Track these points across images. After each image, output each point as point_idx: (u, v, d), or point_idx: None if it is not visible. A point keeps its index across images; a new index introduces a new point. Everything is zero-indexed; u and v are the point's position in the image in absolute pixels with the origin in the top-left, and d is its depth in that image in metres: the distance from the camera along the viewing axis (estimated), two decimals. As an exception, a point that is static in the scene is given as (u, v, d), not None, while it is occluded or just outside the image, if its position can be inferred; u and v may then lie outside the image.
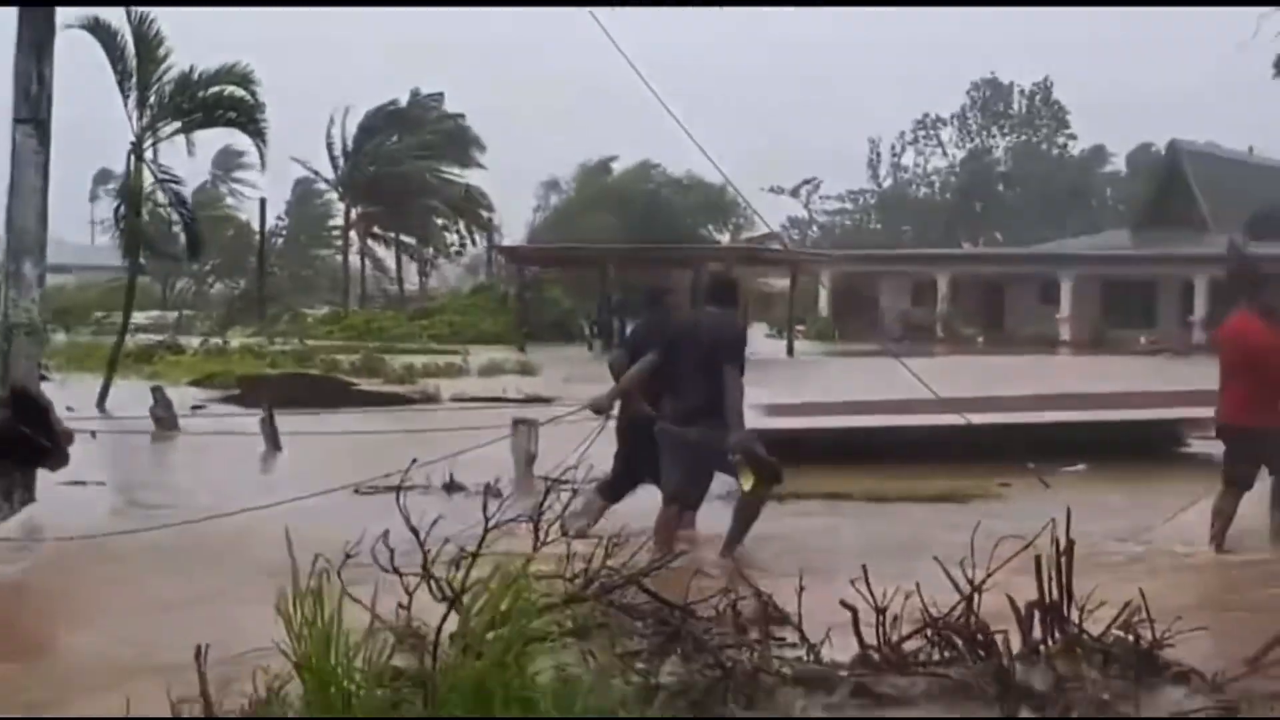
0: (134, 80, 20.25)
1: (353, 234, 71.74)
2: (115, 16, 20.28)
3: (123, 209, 20.70)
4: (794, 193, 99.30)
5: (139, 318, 38.81)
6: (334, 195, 75.53)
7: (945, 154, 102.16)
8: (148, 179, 20.41)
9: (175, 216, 21.39)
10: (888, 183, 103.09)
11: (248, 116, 21.34)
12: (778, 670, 6.79)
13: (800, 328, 55.59)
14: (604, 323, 50.66)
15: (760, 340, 54.63)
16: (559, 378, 30.30)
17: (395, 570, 6.10)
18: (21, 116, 11.40)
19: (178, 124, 20.90)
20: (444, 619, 5.30)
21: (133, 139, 20.24)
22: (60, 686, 7.36)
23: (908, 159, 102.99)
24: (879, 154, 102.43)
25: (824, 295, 61.40)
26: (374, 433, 16.95)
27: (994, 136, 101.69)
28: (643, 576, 7.58)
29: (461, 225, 74.20)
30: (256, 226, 68.29)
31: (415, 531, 6.57)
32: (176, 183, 22.34)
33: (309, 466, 15.02)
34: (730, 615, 7.53)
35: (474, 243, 75.59)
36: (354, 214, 70.85)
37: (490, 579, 5.69)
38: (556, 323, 52.47)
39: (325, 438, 17.42)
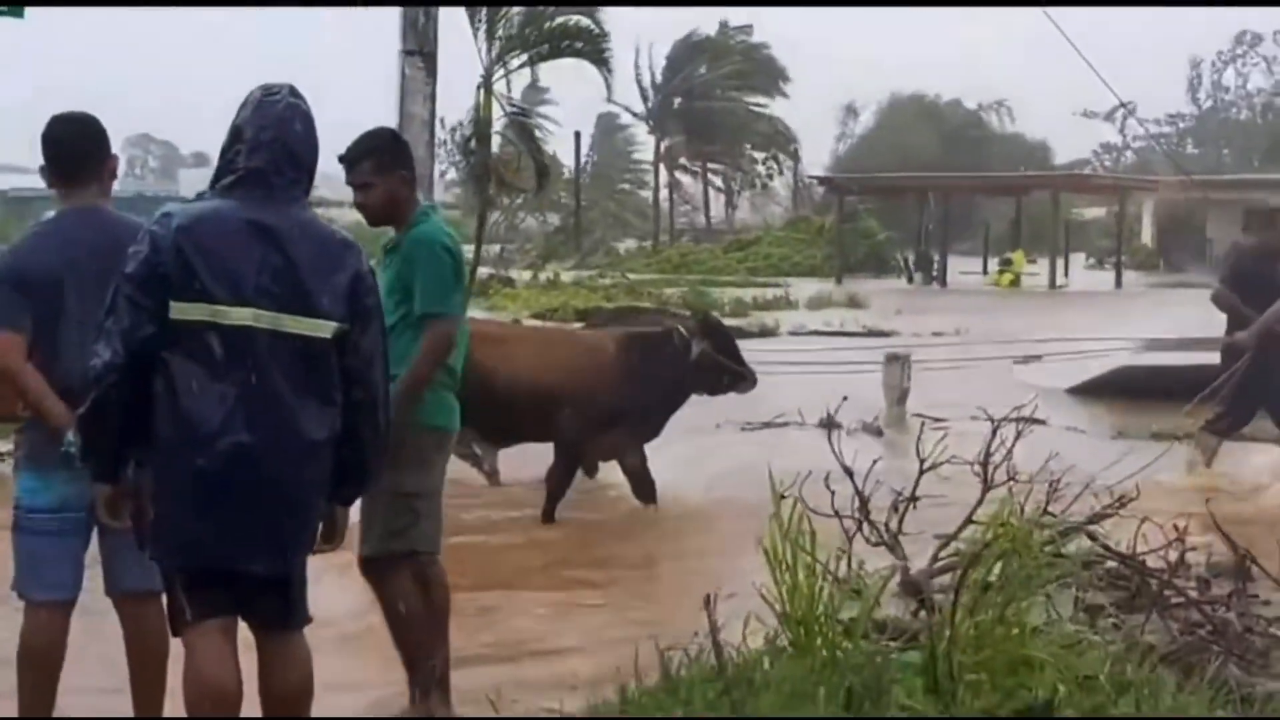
0: (484, 13, 20.28)
1: (660, 167, 71.91)
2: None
3: (472, 142, 20.85)
4: (1108, 117, 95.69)
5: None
6: (637, 128, 75.82)
7: (1270, 70, 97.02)
8: (495, 112, 20.51)
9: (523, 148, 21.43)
10: (1207, 105, 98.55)
11: (594, 46, 21.20)
12: (1266, 630, 6.34)
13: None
14: (922, 254, 49.63)
15: (1079, 271, 52.86)
16: (890, 310, 29.76)
17: (836, 514, 5.95)
18: (410, 48, 11.35)
19: (525, 56, 20.89)
20: (963, 575, 4.96)
21: (482, 72, 20.31)
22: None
23: (1227, 78, 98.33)
24: (1200, 75, 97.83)
25: (1147, 224, 59.03)
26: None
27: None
28: (1092, 524, 7.15)
29: (768, 156, 73.72)
30: (563, 160, 68.82)
31: (849, 472, 6.32)
32: (525, 115, 22.45)
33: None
34: (1180, 567, 7.04)
35: (781, 172, 75.03)
36: (662, 147, 70.97)
37: (987, 532, 5.43)
38: (872, 254, 51.57)
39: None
